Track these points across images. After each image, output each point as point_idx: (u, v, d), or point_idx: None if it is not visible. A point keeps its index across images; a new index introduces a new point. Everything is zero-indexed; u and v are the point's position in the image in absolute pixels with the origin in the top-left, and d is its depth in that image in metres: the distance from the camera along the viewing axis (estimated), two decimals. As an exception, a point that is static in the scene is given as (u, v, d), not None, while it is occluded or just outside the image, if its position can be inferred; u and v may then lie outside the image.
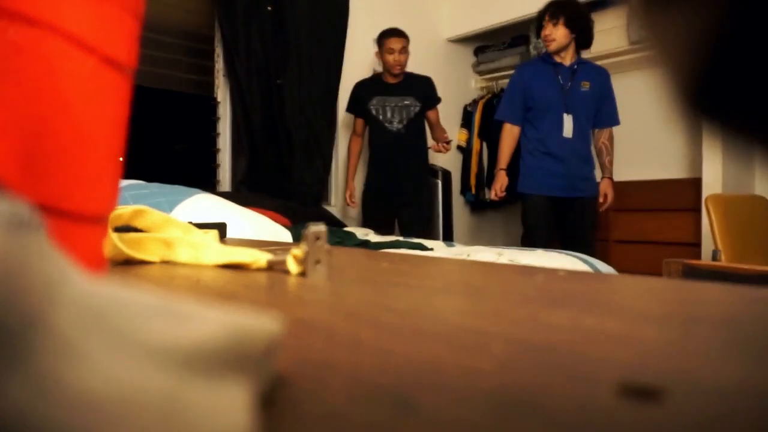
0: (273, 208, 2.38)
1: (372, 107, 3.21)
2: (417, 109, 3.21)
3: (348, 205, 3.34)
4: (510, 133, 2.83)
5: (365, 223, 3.25)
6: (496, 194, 2.88)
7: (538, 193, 2.73)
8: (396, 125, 3.20)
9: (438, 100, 3.29)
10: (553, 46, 2.69)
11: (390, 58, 3.11)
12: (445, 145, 3.19)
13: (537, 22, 2.80)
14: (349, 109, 3.33)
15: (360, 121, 3.31)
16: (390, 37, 3.10)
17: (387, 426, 0.14)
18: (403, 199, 3.18)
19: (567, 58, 2.72)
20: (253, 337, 0.14)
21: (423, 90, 3.23)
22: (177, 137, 2.95)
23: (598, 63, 3.06)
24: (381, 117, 3.22)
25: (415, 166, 3.23)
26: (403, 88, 3.21)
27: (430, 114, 3.27)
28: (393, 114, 3.21)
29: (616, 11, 3.19)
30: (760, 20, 0.09)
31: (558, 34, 2.65)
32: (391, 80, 3.21)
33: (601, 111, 2.78)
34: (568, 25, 2.66)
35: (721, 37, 0.10)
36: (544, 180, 2.70)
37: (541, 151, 2.74)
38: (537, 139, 2.75)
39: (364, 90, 3.26)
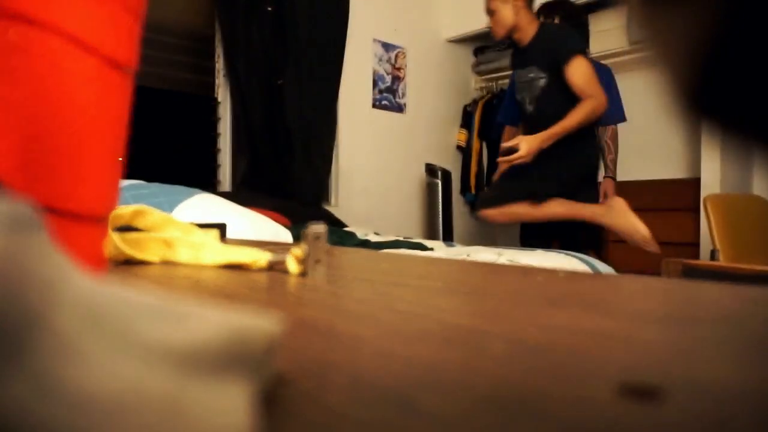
0: (273, 208, 2.38)
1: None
2: (543, 81, 2.17)
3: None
4: (511, 137, 2.82)
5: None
6: None
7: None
8: (528, 107, 2.29)
9: (570, 52, 2.08)
10: None
11: None
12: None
13: None
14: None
15: None
16: None
17: (387, 426, 0.14)
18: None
19: None
20: (253, 338, 0.14)
21: (546, 49, 2.13)
22: (177, 137, 2.95)
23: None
24: (519, 97, 2.32)
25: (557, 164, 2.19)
26: (530, 54, 2.20)
27: (568, 73, 2.07)
28: (524, 92, 2.28)
29: (616, 11, 3.19)
30: (760, 20, 0.09)
31: None
32: (523, 43, 2.22)
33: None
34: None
35: (720, 37, 0.10)
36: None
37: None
38: None
39: (513, 63, 2.35)
